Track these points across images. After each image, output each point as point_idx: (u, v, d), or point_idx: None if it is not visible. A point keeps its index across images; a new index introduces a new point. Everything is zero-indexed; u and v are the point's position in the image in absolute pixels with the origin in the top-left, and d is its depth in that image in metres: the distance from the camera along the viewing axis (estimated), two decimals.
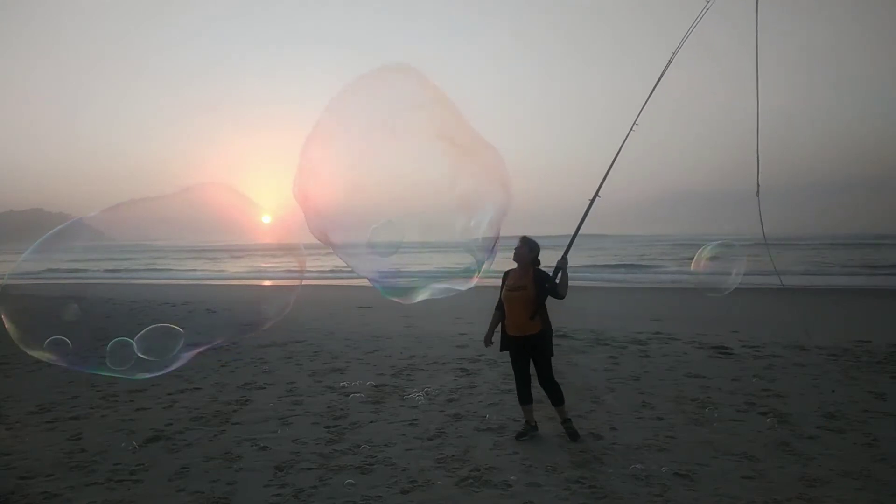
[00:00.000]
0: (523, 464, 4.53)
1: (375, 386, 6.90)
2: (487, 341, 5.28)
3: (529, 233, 5.08)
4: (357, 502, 3.95)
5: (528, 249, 5.03)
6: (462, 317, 12.70)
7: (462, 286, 4.72)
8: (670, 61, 5.05)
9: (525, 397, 5.13)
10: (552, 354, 5.09)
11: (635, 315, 12.89)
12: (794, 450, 4.74)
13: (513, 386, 6.75)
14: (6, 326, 3.98)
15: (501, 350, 5.16)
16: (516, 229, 5.04)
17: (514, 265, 5.15)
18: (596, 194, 4.98)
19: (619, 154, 5.05)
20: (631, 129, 5.02)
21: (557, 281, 4.90)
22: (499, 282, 5.20)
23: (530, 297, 4.90)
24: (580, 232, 5.01)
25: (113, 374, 4.18)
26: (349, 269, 4.82)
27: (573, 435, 4.98)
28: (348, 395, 6.52)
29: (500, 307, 5.15)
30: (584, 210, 5.01)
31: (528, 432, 5.09)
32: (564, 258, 4.90)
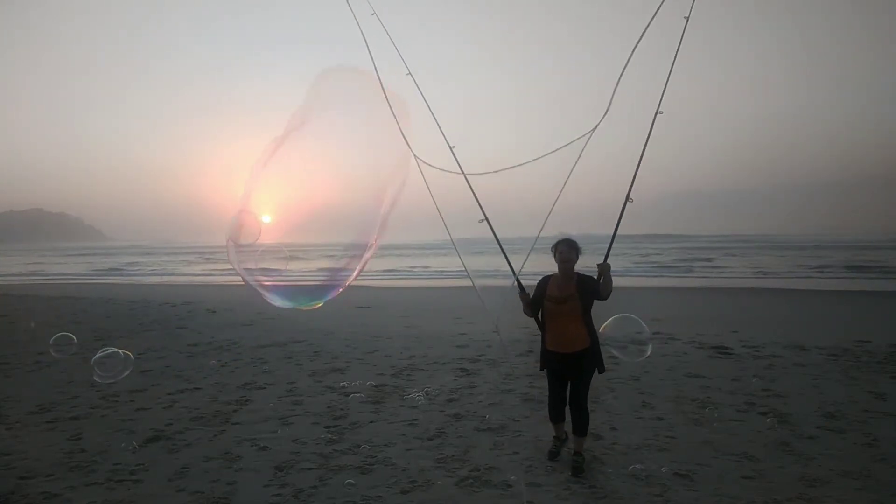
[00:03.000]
0: (523, 464, 4.53)
1: (375, 386, 6.90)
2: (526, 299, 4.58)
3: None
4: (357, 502, 3.95)
5: (577, 254, 4.45)
6: (462, 317, 12.69)
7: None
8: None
9: (558, 416, 4.67)
10: (603, 370, 4.55)
11: (635, 315, 12.88)
12: (794, 450, 4.74)
13: (513, 386, 6.78)
14: None
15: (542, 369, 4.62)
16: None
17: (542, 272, 4.64)
18: (627, 197, 4.31)
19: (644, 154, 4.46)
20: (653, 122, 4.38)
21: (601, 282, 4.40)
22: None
23: (578, 308, 4.38)
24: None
25: None
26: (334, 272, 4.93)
27: (577, 470, 4.33)
28: (348, 395, 6.52)
29: (534, 312, 4.59)
30: (619, 213, 4.34)
31: (560, 449, 4.68)
32: (606, 262, 4.34)
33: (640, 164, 4.39)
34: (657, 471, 4.35)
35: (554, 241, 4.52)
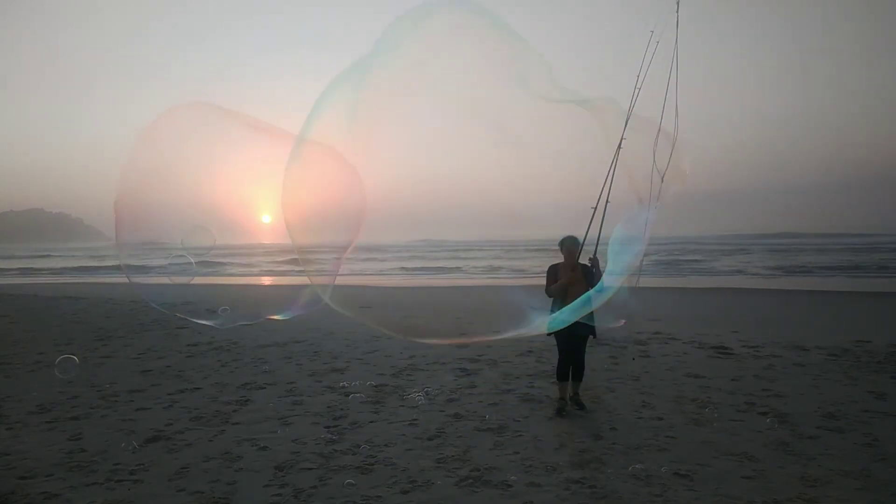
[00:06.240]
0: (523, 464, 4.53)
1: (375, 386, 6.90)
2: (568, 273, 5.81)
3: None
4: (357, 502, 3.96)
5: (577, 248, 5.79)
6: (462, 317, 12.70)
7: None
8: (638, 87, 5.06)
9: (565, 375, 5.89)
10: (596, 336, 5.92)
11: (635, 315, 12.89)
12: (794, 450, 4.74)
13: (513, 386, 6.81)
14: None
15: (548, 334, 5.64)
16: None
17: (548, 262, 6.03)
18: (597, 202, 5.28)
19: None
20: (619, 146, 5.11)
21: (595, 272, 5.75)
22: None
23: (583, 287, 5.63)
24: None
25: None
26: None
27: (580, 405, 5.86)
28: (348, 395, 6.52)
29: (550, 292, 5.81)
30: (590, 217, 5.36)
31: (565, 408, 5.82)
32: (595, 257, 5.67)
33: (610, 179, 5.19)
34: (657, 471, 4.35)
35: (560, 239, 5.89)
